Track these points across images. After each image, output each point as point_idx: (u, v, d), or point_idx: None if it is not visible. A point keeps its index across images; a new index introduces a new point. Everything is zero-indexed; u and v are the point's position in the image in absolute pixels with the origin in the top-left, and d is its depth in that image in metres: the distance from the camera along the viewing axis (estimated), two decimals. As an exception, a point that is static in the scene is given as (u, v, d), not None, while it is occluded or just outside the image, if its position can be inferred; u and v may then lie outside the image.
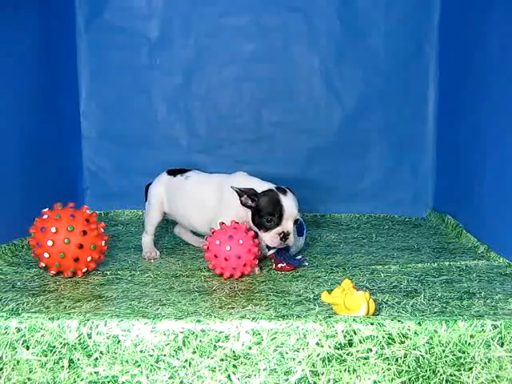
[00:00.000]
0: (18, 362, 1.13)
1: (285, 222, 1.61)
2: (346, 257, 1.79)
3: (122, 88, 2.48)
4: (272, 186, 1.67)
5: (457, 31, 2.20)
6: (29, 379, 1.12)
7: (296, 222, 1.66)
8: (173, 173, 1.89)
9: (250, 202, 1.63)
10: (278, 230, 1.61)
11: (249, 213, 1.65)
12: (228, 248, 1.49)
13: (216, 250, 1.51)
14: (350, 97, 2.48)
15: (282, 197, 1.63)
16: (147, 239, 1.87)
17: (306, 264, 1.66)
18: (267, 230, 1.61)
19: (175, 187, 1.85)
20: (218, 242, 1.51)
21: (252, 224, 1.64)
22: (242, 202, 1.64)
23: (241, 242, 1.50)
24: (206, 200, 1.76)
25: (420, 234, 2.15)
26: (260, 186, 1.67)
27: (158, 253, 1.83)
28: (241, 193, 1.63)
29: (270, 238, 1.61)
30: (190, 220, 1.83)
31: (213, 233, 1.56)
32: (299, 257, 1.69)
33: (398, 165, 2.51)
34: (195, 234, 1.94)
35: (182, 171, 1.88)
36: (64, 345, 1.12)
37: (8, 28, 1.84)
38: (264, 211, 1.61)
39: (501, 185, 1.72)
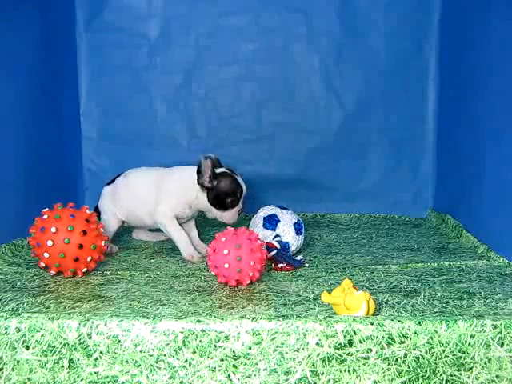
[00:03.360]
0: (18, 362, 1.13)
1: (241, 200, 1.81)
2: (345, 257, 1.79)
3: (121, 88, 2.48)
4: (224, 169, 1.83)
5: (457, 31, 2.20)
6: (29, 379, 1.12)
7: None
8: (111, 182, 1.95)
9: (207, 183, 1.75)
10: (238, 208, 1.80)
11: (200, 194, 1.77)
12: (239, 258, 1.41)
13: (224, 260, 1.42)
14: (350, 97, 2.48)
15: (238, 178, 1.81)
16: None
17: (307, 265, 1.66)
18: (227, 209, 1.78)
19: (119, 191, 1.90)
20: (225, 252, 1.42)
21: (208, 204, 1.77)
22: (200, 182, 1.75)
23: (249, 250, 1.43)
24: (147, 194, 1.83)
25: (420, 234, 2.15)
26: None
27: (116, 247, 1.87)
28: (204, 172, 1.74)
29: (231, 215, 1.80)
30: (138, 216, 1.88)
31: (216, 238, 1.48)
32: (300, 257, 1.69)
33: (398, 165, 2.51)
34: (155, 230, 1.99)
35: (118, 175, 1.95)
36: (64, 345, 1.12)
37: (8, 28, 1.84)
38: (227, 192, 1.77)
39: (501, 185, 1.72)
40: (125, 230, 2.16)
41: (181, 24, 2.45)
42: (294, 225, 1.74)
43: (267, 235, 1.70)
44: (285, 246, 1.66)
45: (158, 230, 1.93)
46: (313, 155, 2.50)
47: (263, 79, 2.48)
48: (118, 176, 1.95)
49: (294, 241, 1.73)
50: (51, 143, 2.17)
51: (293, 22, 2.44)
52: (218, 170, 1.79)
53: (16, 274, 1.56)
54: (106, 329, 1.13)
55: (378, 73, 2.46)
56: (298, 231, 1.74)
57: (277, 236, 1.68)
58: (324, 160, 2.50)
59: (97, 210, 1.95)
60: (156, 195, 1.81)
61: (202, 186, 1.76)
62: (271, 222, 1.73)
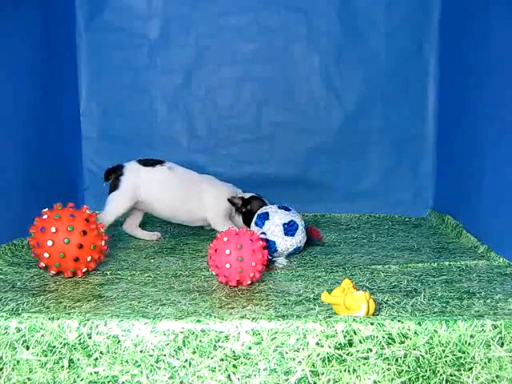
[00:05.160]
0: (18, 362, 1.13)
1: None
2: (345, 257, 1.79)
3: (121, 88, 2.48)
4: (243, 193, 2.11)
5: (457, 31, 2.20)
6: (29, 379, 1.13)
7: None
8: (148, 163, 1.99)
9: (241, 208, 2.05)
10: None
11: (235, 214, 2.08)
12: (241, 259, 1.41)
13: (226, 260, 1.42)
14: (350, 97, 2.48)
15: (264, 199, 2.07)
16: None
17: (280, 266, 1.64)
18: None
19: (158, 177, 1.98)
20: (227, 252, 1.42)
21: (243, 223, 2.05)
22: (237, 209, 2.06)
23: (250, 251, 1.43)
24: (191, 196, 2.03)
25: (420, 234, 2.15)
26: (242, 193, 2.11)
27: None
28: (240, 204, 2.05)
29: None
30: (166, 208, 2.01)
31: (218, 238, 1.48)
32: (281, 259, 1.68)
33: (398, 165, 2.51)
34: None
35: (156, 161, 2.01)
36: (64, 345, 1.12)
37: (8, 28, 1.84)
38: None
39: (500, 185, 1.72)
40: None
41: (181, 24, 2.45)
42: (283, 225, 1.71)
43: (255, 231, 1.69)
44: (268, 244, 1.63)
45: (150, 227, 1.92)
46: (313, 155, 2.50)
47: (263, 79, 2.48)
48: (157, 162, 2.01)
49: (281, 241, 1.70)
50: (51, 143, 2.17)
51: (293, 22, 2.44)
52: (247, 195, 2.07)
53: (16, 274, 1.56)
54: (106, 329, 1.13)
55: (378, 73, 2.46)
56: (287, 232, 1.71)
57: (262, 233, 1.67)
58: (324, 160, 2.50)
59: (110, 172, 1.98)
60: (199, 200, 2.03)
61: (238, 212, 2.07)
62: (261, 219, 1.73)
